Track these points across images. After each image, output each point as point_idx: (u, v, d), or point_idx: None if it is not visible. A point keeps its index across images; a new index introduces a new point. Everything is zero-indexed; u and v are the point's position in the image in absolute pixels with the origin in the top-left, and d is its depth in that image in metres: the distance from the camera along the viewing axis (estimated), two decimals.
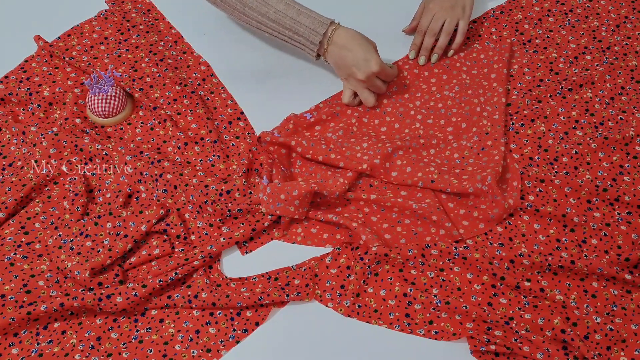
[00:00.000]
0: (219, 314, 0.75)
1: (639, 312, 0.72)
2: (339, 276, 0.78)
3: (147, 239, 0.80)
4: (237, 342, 0.73)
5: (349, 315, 0.75)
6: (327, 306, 0.76)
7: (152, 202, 0.82)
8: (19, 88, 0.93)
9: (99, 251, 0.77)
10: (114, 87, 0.91)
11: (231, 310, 0.75)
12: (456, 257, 0.77)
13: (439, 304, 0.74)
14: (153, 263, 0.79)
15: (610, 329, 0.70)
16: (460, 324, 0.73)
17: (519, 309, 0.73)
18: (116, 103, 0.91)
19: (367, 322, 0.74)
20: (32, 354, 0.72)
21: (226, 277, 0.78)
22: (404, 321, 0.74)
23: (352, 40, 0.86)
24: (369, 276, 0.77)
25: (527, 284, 0.74)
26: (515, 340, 0.70)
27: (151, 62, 0.98)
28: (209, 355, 0.72)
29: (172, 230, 0.80)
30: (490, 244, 0.79)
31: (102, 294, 0.73)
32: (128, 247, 0.78)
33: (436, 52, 0.96)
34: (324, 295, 0.77)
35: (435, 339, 0.73)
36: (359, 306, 0.76)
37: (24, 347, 0.72)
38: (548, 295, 0.74)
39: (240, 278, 0.78)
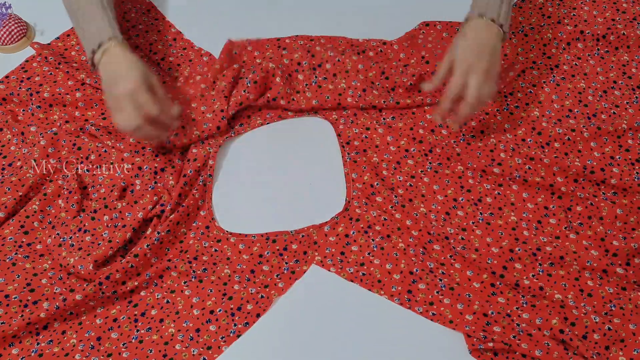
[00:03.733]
0: (219, 310, 0.72)
1: (637, 312, 0.69)
2: (337, 243, 0.77)
3: (145, 228, 0.78)
4: (238, 336, 0.70)
5: (351, 280, 0.74)
6: (329, 271, 0.75)
7: (145, 192, 0.79)
8: (20, 88, 0.90)
9: (99, 244, 0.74)
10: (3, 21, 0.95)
11: (231, 306, 0.72)
12: (457, 254, 0.75)
13: (443, 288, 0.73)
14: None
15: (609, 329, 0.67)
16: (460, 314, 0.71)
17: (517, 308, 0.71)
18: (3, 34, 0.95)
19: (369, 289, 0.73)
20: (32, 354, 0.69)
21: (227, 231, 0.77)
22: (405, 296, 0.72)
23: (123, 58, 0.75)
24: (374, 249, 0.76)
25: (526, 282, 0.72)
26: (514, 337, 0.68)
27: (151, 62, 0.94)
28: (210, 352, 0.69)
29: (168, 208, 0.78)
30: (481, 220, 0.77)
31: (102, 277, 0.70)
32: (127, 236, 0.75)
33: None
34: (325, 261, 0.75)
35: (431, 320, 0.70)
36: (363, 274, 0.74)
37: (24, 347, 0.69)
38: (547, 294, 0.71)
39: (240, 234, 0.77)
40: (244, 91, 0.86)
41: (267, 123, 0.89)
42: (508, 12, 0.77)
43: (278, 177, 0.84)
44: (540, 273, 0.73)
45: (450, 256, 0.75)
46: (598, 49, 0.94)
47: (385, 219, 0.78)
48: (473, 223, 0.77)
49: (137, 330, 0.71)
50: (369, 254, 0.75)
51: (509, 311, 0.70)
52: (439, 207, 0.78)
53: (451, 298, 0.72)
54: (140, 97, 0.72)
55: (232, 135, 0.87)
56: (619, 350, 0.67)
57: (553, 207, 0.78)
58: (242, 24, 1.01)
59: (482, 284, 0.73)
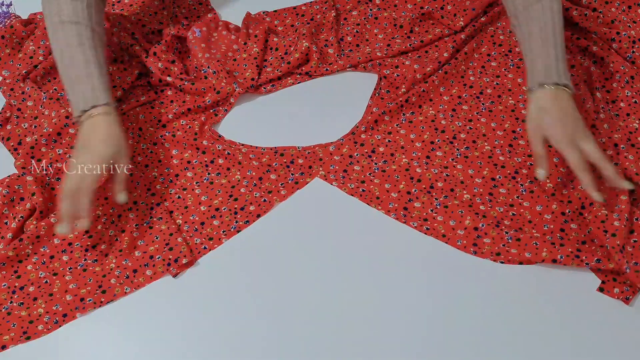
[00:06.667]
0: (224, 209, 0.78)
1: None
2: (342, 162, 0.82)
3: (134, 90, 0.90)
4: (238, 231, 0.76)
5: (352, 195, 0.78)
6: (331, 184, 0.80)
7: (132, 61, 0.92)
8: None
9: None
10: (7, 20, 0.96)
11: (236, 206, 0.78)
12: (458, 156, 0.81)
13: (437, 207, 0.76)
14: (137, 109, 0.89)
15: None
16: (452, 230, 0.74)
17: (517, 197, 0.76)
18: None
19: (367, 204, 0.77)
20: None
21: (238, 143, 0.84)
22: (401, 212, 0.76)
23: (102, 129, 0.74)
24: (376, 171, 0.80)
25: (524, 172, 0.78)
26: (503, 245, 0.71)
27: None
28: (211, 242, 0.75)
29: (152, 79, 0.90)
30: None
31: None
32: (118, 94, 0.87)
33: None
34: (328, 176, 0.81)
35: (425, 234, 0.74)
36: (363, 190, 0.79)
37: None
38: (541, 182, 0.77)
39: (251, 145, 0.84)
40: (278, 70, 0.91)
41: (298, 82, 0.92)
42: (565, 67, 0.75)
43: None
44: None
45: (452, 159, 0.80)
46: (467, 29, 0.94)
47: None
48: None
49: (151, 217, 0.77)
50: (369, 174, 0.80)
51: (502, 216, 0.74)
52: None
53: (444, 215, 0.75)
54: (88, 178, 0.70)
55: (264, 92, 0.92)
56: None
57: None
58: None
59: (484, 179, 0.78)
